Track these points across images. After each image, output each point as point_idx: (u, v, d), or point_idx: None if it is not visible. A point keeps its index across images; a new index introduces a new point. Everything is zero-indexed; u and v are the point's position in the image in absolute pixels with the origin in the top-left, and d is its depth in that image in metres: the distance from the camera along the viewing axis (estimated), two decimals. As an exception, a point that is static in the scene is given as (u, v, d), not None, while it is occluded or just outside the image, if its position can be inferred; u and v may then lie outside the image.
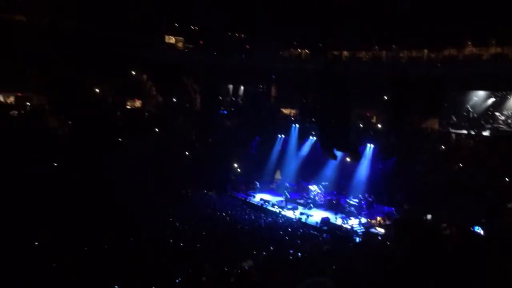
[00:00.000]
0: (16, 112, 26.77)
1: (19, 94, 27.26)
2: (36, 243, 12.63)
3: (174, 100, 33.42)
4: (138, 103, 32.62)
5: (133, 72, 32.27)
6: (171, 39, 33.26)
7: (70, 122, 26.59)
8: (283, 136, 30.30)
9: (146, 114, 31.82)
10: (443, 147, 26.59)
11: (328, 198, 24.79)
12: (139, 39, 29.32)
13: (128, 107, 31.91)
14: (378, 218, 21.63)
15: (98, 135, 25.68)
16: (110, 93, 30.00)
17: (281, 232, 18.38)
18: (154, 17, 31.50)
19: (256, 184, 27.66)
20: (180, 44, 33.48)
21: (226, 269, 11.35)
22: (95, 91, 29.60)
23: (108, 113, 28.79)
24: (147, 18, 30.54)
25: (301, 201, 24.98)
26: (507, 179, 21.74)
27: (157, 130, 30.13)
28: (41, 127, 25.03)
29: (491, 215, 15.96)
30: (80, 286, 9.87)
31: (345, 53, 31.66)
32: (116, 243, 13.92)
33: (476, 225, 16.05)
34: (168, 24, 33.06)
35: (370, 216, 22.11)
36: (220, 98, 35.65)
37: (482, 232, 15.16)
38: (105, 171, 23.17)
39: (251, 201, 25.39)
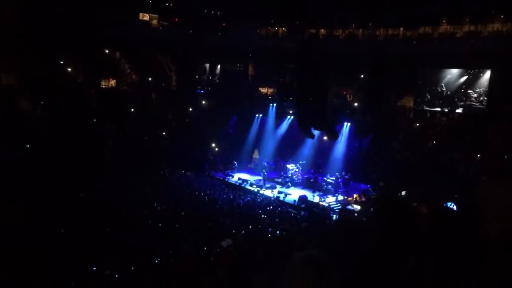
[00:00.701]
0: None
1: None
2: (11, 226, 12.40)
3: (150, 79, 32.83)
4: (112, 83, 31.91)
5: (107, 51, 31.45)
6: (146, 16, 32.41)
7: (42, 103, 25.87)
8: (260, 115, 30.27)
9: (121, 93, 31.20)
10: (418, 125, 27.09)
11: (305, 176, 25.02)
12: (112, 16, 28.45)
13: (103, 86, 31.20)
14: (355, 196, 21.99)
15: (72, 115, 25.09)
16: (83, 73, 29.22)
17: (260, 211, 18.53)
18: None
19: (234, 163, 27.66)
20: (154, 22, 32.68)
21: (205, 248, 11.40)
22: (68, 70, 28.78)
23: (82, 93, 28.09)
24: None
25: (279, 180, 25.15)
26: (478, 155, 22.37)
27: (132, 110, 29.64)
28: (12, 108, 24.28)
29: (463, 191, 16.41)
30: (58, 269, 9.77)
31: (322, 31, 31.57)
32: (94, 225, 13.79)
33: (449, 201, 16.48)
34: (142, 0, 32.18)
35: (347, 193, 22.47)
36: (197, 77, 35.18)
37: (455, 207, 15.57)
38: (80, 153, 22.76)
39: (229, 181, 25.42)
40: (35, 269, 9.41)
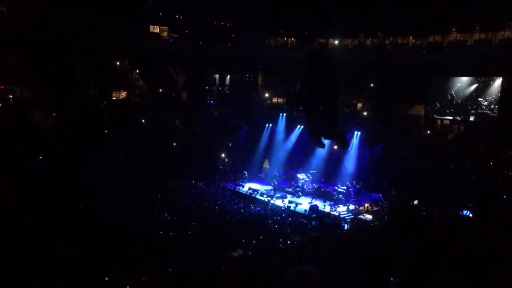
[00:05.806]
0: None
1: (1, 87, 26.71)
2: (25, 235, 12.50)
3: (160, 90, 33.09)
4: (123, 94, 32.21)
5: (118, 63, 31.81)
6: (156, 29, 32.77)
7: (54, 115, 26.20)
8: (270, 125, 30.28)
9: (132, 105, 31.47)
10: (429, 133, 26.91)
11: (316, 186, 24.91)
12: (123, 29, 28.80)
13: (114, 98, 31.50)
14: (366, 205, 21.84)
15: (83, 127, 25.36)
16: (95, 85, 29.55)
17: (270, 221, 18.47)
18: (138, 7, 30.96)
19: (245, 173, 27.65)
20: (165, 34, 33.02)
21: (216, 258, 11.37)
22: (80, 82, 29.12)
23: (93, 104, 28.39)
24: (131, 7, 30.00)
25: (290, 190, 25.08)
26: (491, 163, 22.11)
27: (143, 121, 29.85)
28: (25, 120, 24.63)
29: (477, 199, 16.23)
30: (72, 278, 9.81)
31: (331, 41, 31.65)
32: (106, 235, 13.85)
33: (464, 209, 16.30)
34: (152, 13, 32.55)
35: (358, 203, 22.32)
36: (206, 87, 35.40)
37: (470, 215, 15.37)
38: (91, 164, 22.93)
39: (239, 191, 25.38)
40: (49, 278, 9.47)
